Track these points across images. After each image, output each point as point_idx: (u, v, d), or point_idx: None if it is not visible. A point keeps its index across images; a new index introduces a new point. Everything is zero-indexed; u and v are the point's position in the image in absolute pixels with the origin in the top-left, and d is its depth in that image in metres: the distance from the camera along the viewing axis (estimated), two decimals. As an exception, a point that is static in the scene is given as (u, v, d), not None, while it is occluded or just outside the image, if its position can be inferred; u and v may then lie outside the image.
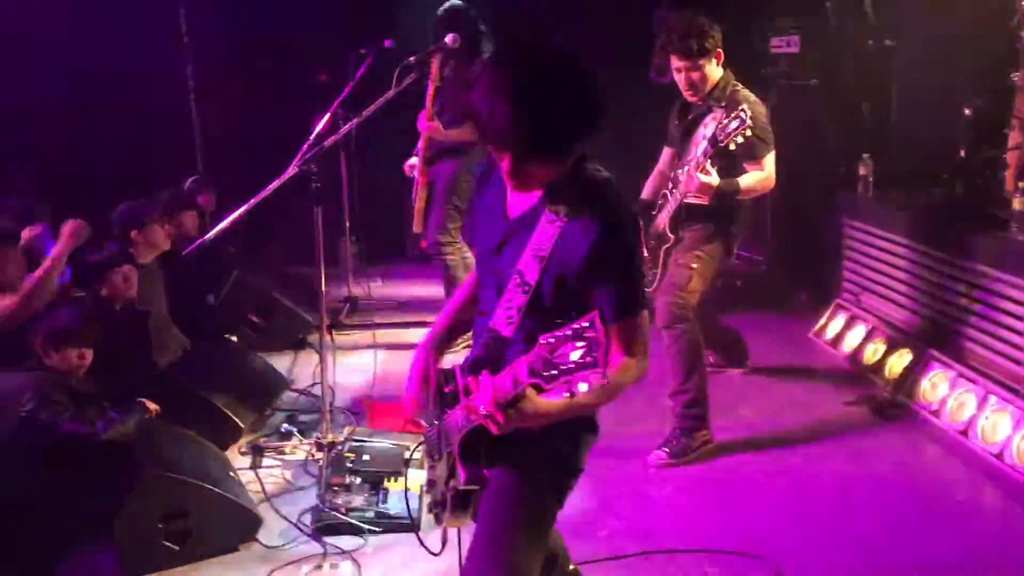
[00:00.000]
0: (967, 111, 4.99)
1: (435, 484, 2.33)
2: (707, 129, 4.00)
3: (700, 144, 4.02)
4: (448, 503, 2.21)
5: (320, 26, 8.14)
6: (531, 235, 2.15)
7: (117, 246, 4.42)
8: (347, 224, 6.69)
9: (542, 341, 1.80)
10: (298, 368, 5.35)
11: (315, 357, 4.77)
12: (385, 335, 5.97)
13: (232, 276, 5.70)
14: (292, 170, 4.03)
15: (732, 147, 3.86)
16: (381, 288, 7.26)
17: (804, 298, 6.34)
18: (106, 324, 4.14)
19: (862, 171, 5.59)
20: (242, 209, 4.08)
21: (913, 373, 4.75)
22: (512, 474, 2.21)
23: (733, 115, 3.82)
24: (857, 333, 5.39)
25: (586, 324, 1.74)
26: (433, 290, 7.25)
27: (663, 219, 4.26)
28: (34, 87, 7.05)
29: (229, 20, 7.81)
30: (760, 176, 4.11)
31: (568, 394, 1.80)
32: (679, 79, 4.13)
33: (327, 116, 4.46)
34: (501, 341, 2.20)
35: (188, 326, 5.21)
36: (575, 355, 1.74)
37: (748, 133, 3.79)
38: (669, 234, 4.23)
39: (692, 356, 4.15)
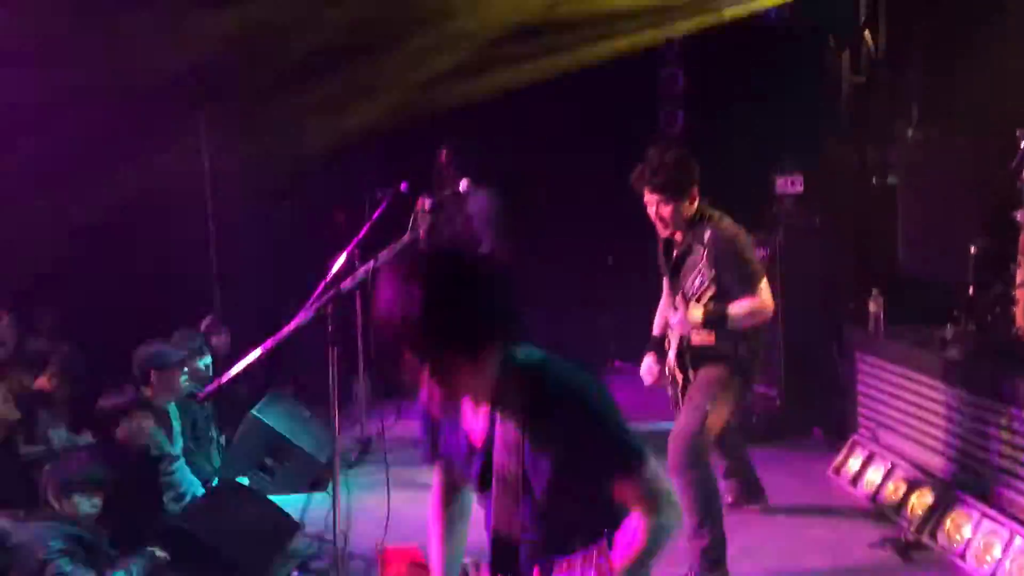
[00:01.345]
0: (973, 249, 5.06)
1: None
2: (691, 273, 4.07)
3: (688, 284, 4.08)
4: None
5: (337, 167, 8.42)
6: (497, 438, 2.09)
7: (133, 391, 4.44)
8: (361, 364, 6.71)
9: (558, 567, 1.75)
10: (311, 511, 5.27)
11: (328, 500, 4.71)
12: (399, 474, 5.89)
13: (245, 418, 5.69)
14: (308, 313, 4.08)
15: (705, 300, 3.93)
16: (395, 425, 7.21)
17: (818, 435, 6.28)
18: (118, 470, 4.13)
19: (872, 308, 5.62)
20: (257, 352, 4.11)
21: (936, 513, 4.65)
22: None
23: (696, 272, 3.91)
24: (876, 471, 5.31)
25: (595, 552, 1.71)
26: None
27: (671, 358, 4.28)
28: (52, 224, 7.26)
29: (248, 160, 8.07)
30: (753, 304, 4.01)
31: None
32: (650, 212, 4.14)
33: (343, 257, 4.55)
34: (507, 539, 2.12)
35: (201, 469, 5.20)
36: None
37: (714, 290, 3.87)
38: (678, 373, 4.23)
39: (707, 501, 4.06)
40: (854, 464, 5.54)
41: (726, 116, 8.02)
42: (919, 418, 5.14)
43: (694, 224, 4.10)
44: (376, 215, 5.29)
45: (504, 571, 1.96)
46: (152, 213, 7.74)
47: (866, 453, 5.52)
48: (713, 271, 3.91)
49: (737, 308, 3.99)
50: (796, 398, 6.52)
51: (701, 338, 4.05)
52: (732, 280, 3.94)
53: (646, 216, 4.18)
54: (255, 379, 6.73)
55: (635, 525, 2.04)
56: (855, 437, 5.73)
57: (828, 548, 4.68)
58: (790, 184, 6.60)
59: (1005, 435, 4.42)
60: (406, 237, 4.60)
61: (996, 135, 5.42)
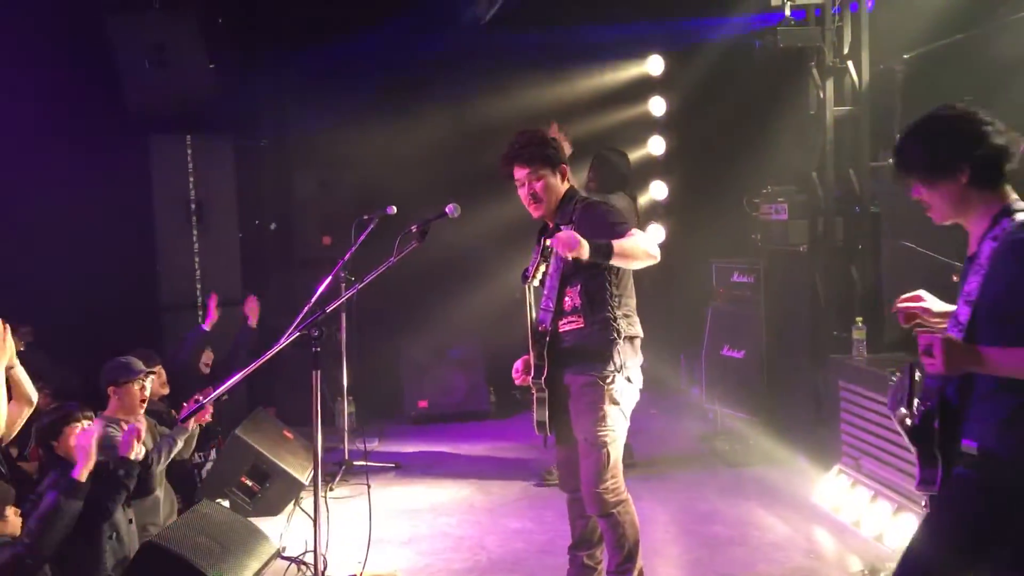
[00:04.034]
0: (955, 277, 5.09)
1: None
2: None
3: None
4: None
5: (325, 190, 8.44)
6: (966, 279, 2.60)
7: (75, 404, 4.39)
8: (345, 385, 6.69)
9: None
10: (290, 534, 5.23)
11: (308, 522, 4.68)
12: (381, 497, 5.86)
13: (228, 437, 5.66)
14: (294, 334, 4.07)
15: (537, 281, 3.80)
16: (377, 448, 7.20)
17: (802, 461, 6.29)
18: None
19: (856, 336, 5.65)
20: (242, 373, 4.10)
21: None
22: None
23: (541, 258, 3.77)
24: (860, 499, 5.31)
25: None
26: (431, 448, 7.20)
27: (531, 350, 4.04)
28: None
29: (234, 183, 8.08)
30: (630, 240, 3.75)
31: None
32: (522, 194, 4.02)
33: (328, 279, 4.54)
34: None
35: (179, 488, 5.17)
36: None
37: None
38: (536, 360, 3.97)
39: (632, 537, 3.95)
40: (837, 491, 5.54)
41: (710, 143, 8.10)
42: (902, 446, 5.15)
43: (565, 205, 3.99)
44: (362, 238, 5.31)
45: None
46: (141, 238, 7.77)
47: (850, 480, 5.52)
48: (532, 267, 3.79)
49: (618, 241, 3.71)
50: (780, 424, 6.54)
51: (568, 324, 3.93)
52: (602, 235, 3.73)
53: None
54: (238, 400, 6.74)
55: None
56: (839, 464, 5.73)
57: (811, 574, 4.67)
58: (774, 211, 6.64)
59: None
60: (392, 260, 4.58)
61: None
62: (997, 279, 2.50)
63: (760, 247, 6.87)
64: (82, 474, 3.97)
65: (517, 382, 4.16)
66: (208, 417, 4.93)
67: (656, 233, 8.42)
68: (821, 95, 6.44)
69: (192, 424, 4.84)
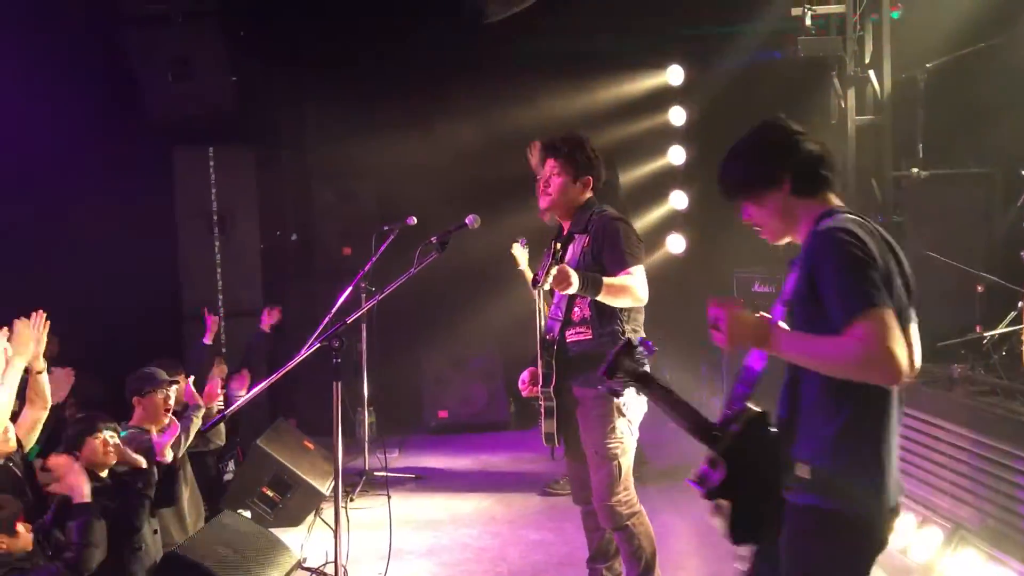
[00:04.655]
0: (980, 288, 5.05)
1: None
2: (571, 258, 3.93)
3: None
4: None
5: (345, 201, 8.48)
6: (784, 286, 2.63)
7: (99, 415, 4.41)
8: (365, 395, 6.70)
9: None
10: (311, 544, 5.24)
11: (329, 533, 4.69)
12: (401, 508, 5.87)
13: (249, 448, 5.68)
14: (314, 344, 4.07)
15: (548, 285, 3.72)
16: (397, 459, 7.20)
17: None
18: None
19: (879, 345, 5.59)
20: (263, 385, 4.11)
21: (943, 554, 4.60)
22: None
23: (578, 255, 3.83)
24: (883, 511, 5.25)
25: None
26: (451, 459, 7.19)
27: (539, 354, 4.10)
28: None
29: (256, 194, 8.13)
30: (625, 280, 3.81)
31: None
32: (539, 184, 4.04)
33: (349, 289, 4.55)
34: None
35: (207, 496, 5.20)
36: None
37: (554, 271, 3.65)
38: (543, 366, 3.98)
39: (648, 549, 3.94)
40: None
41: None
42: (925, 458, 5.10)
43: (581, 214, 4.01)
44: (382, 248, 5.31)
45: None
46: (163, 249, 7.82)
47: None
48: (592, 252, 3.84)
49: (610, 279, 3.80)
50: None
51: (576, 334, 3.93)
52: (608, 255, 3.83)
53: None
54: (259, 411, 6.77)
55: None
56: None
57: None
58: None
59: (1012, 477, 4.37)
60: (412, 270, 4.58)
61: (1002, 173, 5.44)
62: (801, 273, 2.51)
63: (782, 257, 6.82)
64: (83, 495, 3.94)
65: (524, 394, 4.17)
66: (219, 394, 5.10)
67: (676, 243, 8.41)
68: (843, 105, 6.40)
69: (203, 402, 4.94)
